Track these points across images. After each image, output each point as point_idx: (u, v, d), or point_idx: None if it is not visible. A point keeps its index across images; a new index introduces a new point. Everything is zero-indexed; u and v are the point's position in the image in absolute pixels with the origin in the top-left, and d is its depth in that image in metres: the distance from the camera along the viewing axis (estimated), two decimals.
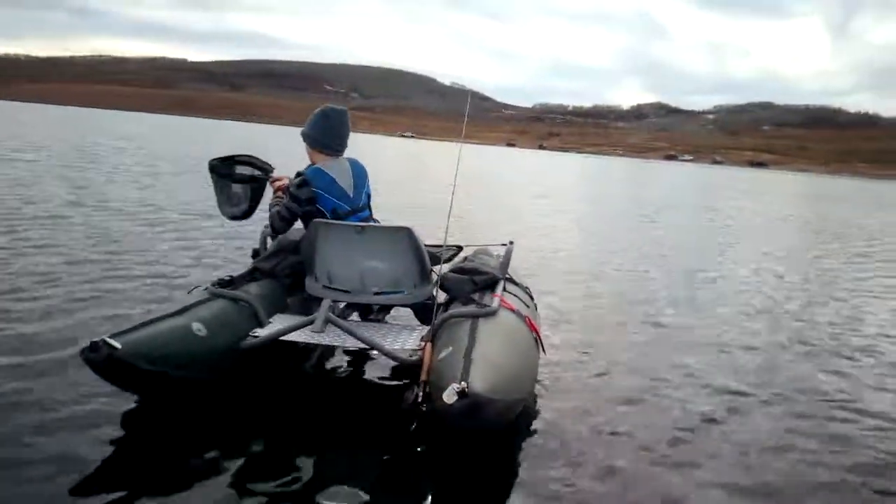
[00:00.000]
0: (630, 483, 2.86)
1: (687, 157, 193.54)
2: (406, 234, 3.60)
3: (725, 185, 45.82)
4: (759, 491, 2.89)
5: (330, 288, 3.67)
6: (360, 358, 4.08)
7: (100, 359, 2.65)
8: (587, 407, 3.66)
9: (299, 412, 3.35)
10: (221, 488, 2.57)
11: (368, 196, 4.02)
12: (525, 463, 3.01)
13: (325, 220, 3.63)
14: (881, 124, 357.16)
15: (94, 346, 2.64)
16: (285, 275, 3.86)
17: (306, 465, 2.81)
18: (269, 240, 4.14)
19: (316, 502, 2.51)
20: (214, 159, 4.26)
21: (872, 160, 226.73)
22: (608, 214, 16.88)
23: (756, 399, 3.95)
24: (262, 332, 3.38)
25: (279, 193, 3.97)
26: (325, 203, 3.77)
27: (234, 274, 3.84)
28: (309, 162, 3.94)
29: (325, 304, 3.48)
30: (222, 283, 3.59)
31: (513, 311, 3.54)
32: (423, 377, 3.03)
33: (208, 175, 4.22)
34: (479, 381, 2.59)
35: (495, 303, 3.52)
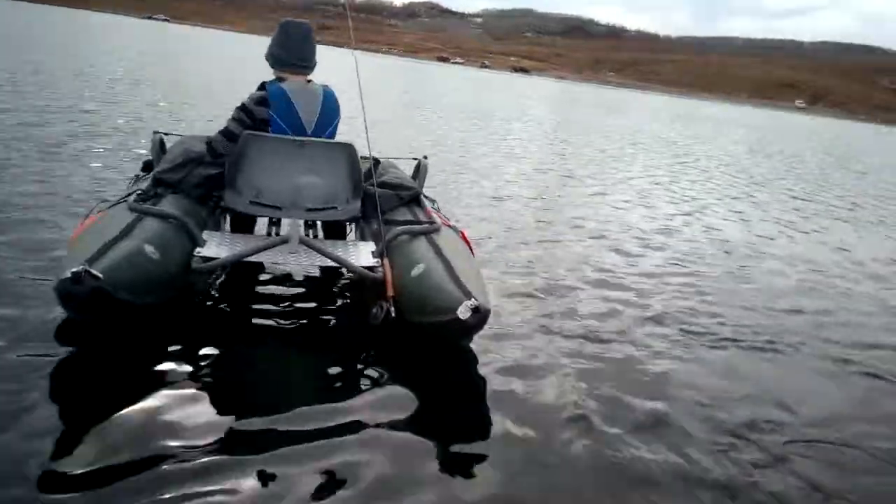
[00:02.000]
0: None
1: (458, 59, 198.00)
2: (348, 149, 3.69)
3: (502, 87, 48.17)
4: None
5: (258, 203, 3.63)
6: (298, 276, 4.13)
7: (84, 291, 2.46)
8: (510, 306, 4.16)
9: (258, 331, 3.41)
10: (190, 415, 2.54)
11: (332, 135, 3.80)
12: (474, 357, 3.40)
13: (260, 133, 3.55)
14: (626, 36, 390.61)
15: (76, 278, 2.42)
16: (193, 187, 3.69)
17: (279, 389, 2.88)
18: (161, 150, 3.96)
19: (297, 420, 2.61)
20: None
21: (619, 69, 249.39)
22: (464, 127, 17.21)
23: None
24: (209, 252, 3.31)
25: None
26: (274, 129, 3.61)
27: (131, 188, 3.69)
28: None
29: (296, 222, 3.50)
30: (143, 198, 3.38)
31: (448, 225, 3.84)
32: (391, 293, 3.27)
33: None
34: (481, 295, 2.96)
35: (436, 218, 3.80)
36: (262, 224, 4.13)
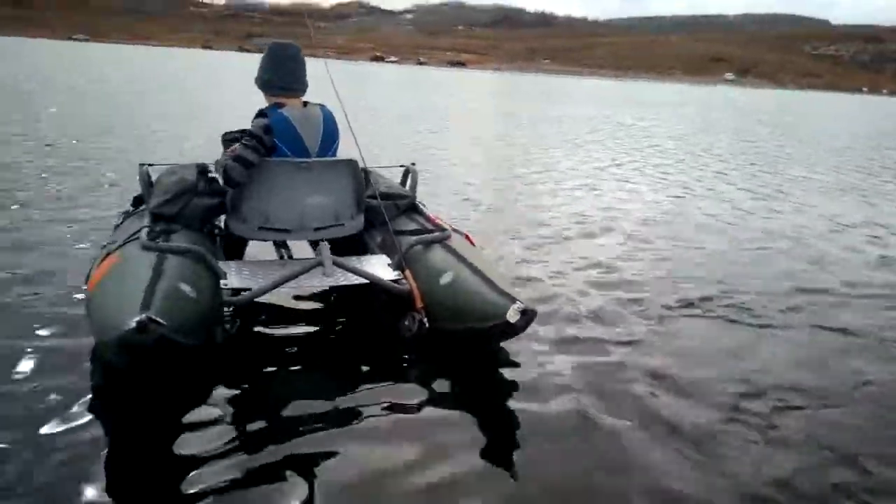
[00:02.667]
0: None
1: (393, 58, 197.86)
2: (352, 165, 3.57)
3: (445, 83, 48.18)
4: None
5: (267, 228, 3.47)
6: (312, 299, 3.90)
7: (151, 339, 2.28)
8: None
9: (285, 358, 3.23)
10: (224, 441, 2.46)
11: (334, 155, 3.64)
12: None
13: (265, 159, 3.37)
14: (556, 23, 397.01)
15: (142, 327, 2.23)
16: (193, 219, 3.47)
17: (322, 408, 2.75)
18: (154, 185, 3.62)
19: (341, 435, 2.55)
20: (231, 133, 3.76)
21: (553, 56, 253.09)
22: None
23: None
24: (236, 283, 3.15)
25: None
26: (281, 157, 3.39)
27: (125, 225, 3.44)
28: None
29: (324, 246, 3.35)
30: (153, 236, 3.12)
31: (454, 230, 3.75)
32: (420, 304, 3.16)
33: None
34: (524, 297, 2.93)
35: (445, 225, 3.71)
36: (256, 249, 3.96)
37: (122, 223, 3.60)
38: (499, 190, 7.93)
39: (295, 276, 3.23)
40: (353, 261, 3.53)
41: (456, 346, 3.20)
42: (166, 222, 3.34)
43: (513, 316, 2.78)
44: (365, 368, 3.10)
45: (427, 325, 3.11)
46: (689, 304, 4.19)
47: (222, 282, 3.09)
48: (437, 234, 3.57)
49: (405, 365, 3.16)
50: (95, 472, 2.20)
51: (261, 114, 3.43)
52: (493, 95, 38.55)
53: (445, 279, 3.17)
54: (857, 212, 7.95)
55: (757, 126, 24.24)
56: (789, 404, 2.99)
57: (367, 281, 3.30)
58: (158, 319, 2.27)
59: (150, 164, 3.76)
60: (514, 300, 2.85)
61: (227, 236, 3.66)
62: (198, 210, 3.50)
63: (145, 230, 3.14)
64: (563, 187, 8.33)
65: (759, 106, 42.19)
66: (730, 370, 3.32)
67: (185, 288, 2.74)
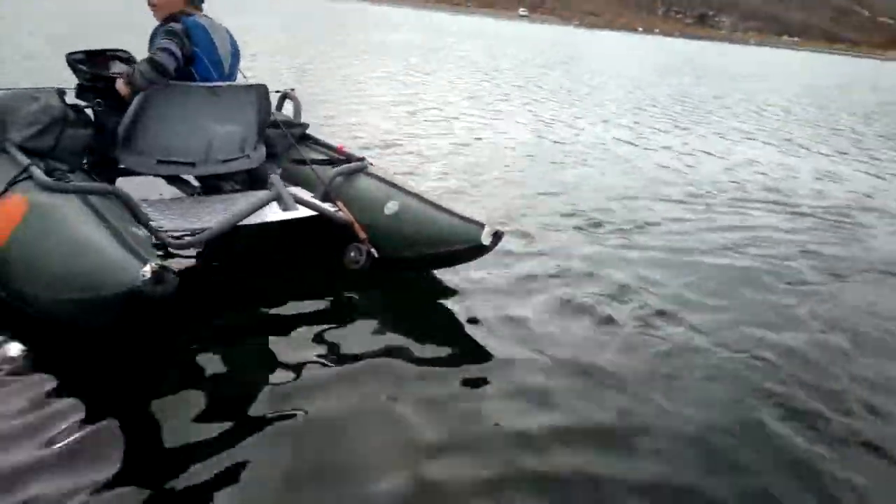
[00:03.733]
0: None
1: None
2: (263, 91, 3.49)
3: None
4: None
5: (167, 161, 3.27)
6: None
7: (170, 289, 2.14)
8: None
9: (251, 293, 3.17)
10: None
11: (235, 76, 3.48)
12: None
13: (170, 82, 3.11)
14: None
15: (159, 277, 2.10)
16: (73, 153, 3.14)
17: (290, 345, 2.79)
18: (8, 115, 3.11)
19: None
20: (77, 53, 3.35)
21: None
22: None
23: None
24: (174, 225, 2.91)
25: (122, 91, 3.15)
26: (199, 68, 3.19)
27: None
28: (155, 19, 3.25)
29: (277, 178, 3.26)
30: (58, 175, 2.77)
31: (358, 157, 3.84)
32: (363, 234, 3.30)
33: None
34: (485, 218, 3.18)
35: (354, 153, 3.84)
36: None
37: None
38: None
39: (250, 213, 3.05)
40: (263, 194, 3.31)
41: (406, 272, 3.40)
42: (40, 158, 2.96)
43: (486, 238, 3.04)
44: (320, 307, 3.12)
45: (376, 255, 3.27)
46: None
47: (154, 224, 2.86)
48: (357, 163, 3.69)
49: (358, 299, 3.25)
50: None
51: (170, 19, 3.18)
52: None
53: (391, 208, 3.34)
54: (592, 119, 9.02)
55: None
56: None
57: (311, 214, 3.25)
58: (172, 268, 2.18)
59: None
60: (481, 224, 3.09)
61: (133, 171, 3.37)
62: (75, 142, 3.15)
63: (36, 169, 2.78)
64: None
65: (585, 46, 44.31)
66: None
67: (141, 233, 2.62)
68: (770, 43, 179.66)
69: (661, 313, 3.44)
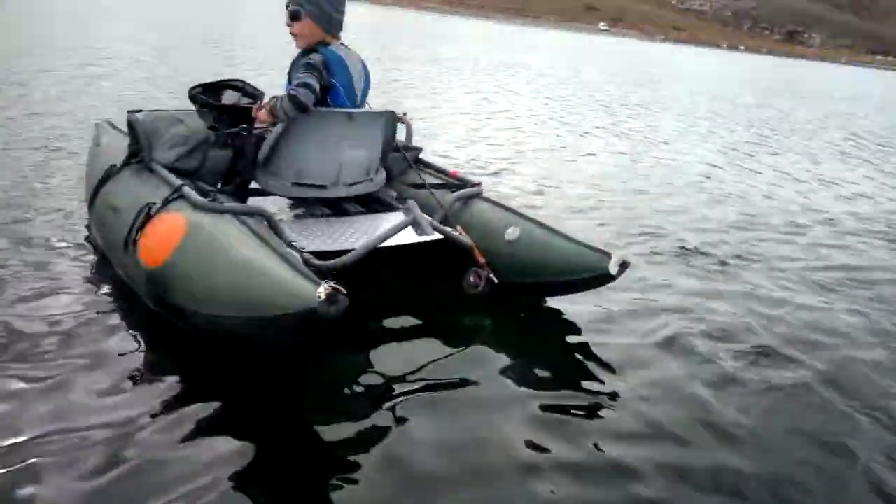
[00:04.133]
0: None
1: None
2: (391, 117, 3.60)
3: None
4: None
5: (301, 184, 3.39)
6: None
7: (341, 309, 2.19)
8: None
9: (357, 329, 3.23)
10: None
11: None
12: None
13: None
14: None
15: (333, 298, 2.16)
16: (216, 173, 3.33)
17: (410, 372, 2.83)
18: (153, 136, 3.27)
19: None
20: (197, 87, 3.50)
21: None
22: None
23: None
24: (314, 246, 3.01)
25: (263, 120, 3.28)
26: (336, 98, 3.29)
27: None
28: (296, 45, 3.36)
29: (413, 203, 3.31)
30: (211, 195, 2.89)
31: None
32: (482, 259, 3.33)
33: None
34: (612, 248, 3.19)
35: (468, 178, 3.84)
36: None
37: (111, 178, 3.33)
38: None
39: (391, 236, 3.08)
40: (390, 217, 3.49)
41: (527, 298, 3.45)
42: (187, 177, 3.09)
43: (613, 268, 3.04)
44: (438, 333, 3.15)
45: (496, 280, 3.30)
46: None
47: (296, 245, 2.88)
48: (474, 187, 3.72)
49: (477, 324, 3.30)
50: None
51: (311, 50, 3.28)
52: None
53: (512, 234, 3.35)
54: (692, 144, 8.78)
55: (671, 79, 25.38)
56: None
57: (436, 238, 3.26)
58: (343, 290, 2.21)
59: (139, 111, 3.39)
60: (608, 253, 3.09)
61: (269, 192, 3.50)
62: (217, 164, 3.33)
63: (189, 189, 2.90)
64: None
65: (661, 58, 43.88)
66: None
67: (295, 253, 2.68)
68: (863, 63, 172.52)
69: (763, 353, 3.34)
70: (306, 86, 3.09)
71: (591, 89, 17.13)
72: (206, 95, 3.50)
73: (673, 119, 13.18)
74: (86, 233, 3.75)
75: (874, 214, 6.82)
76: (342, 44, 3.44)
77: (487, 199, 3.65)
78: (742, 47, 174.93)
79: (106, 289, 3.16)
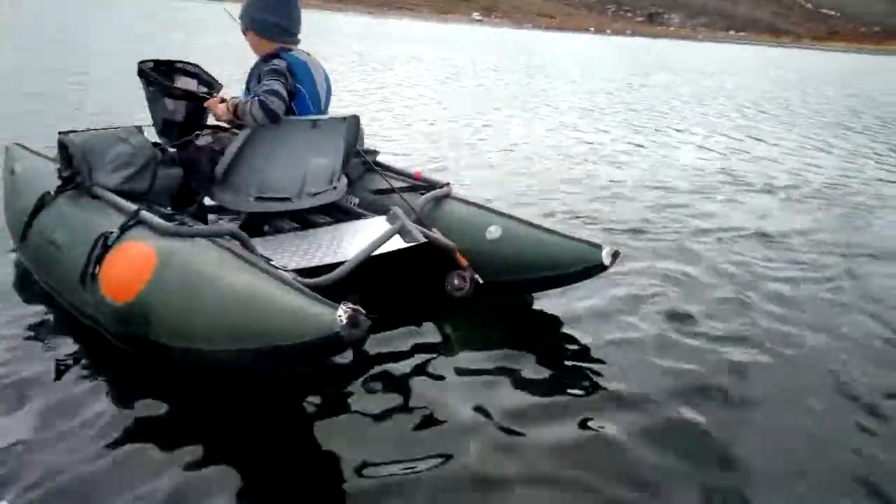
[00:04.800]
0: None
1: None
2: (354, 121, 3.46)
3: None
4: None
5: (265, 199, 3.18)
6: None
7: (364, 331, 2.04)
8: None
9: None
10: None
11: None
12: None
13: None
14: None
15: (354, 321, 2.01)
16: (166, 194, 3.12)
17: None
18: (92, 157, 2.96)
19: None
20: (148, 61, 3.22)
21: None
22: None
23: None
24: (293, 265, 2.80)
25: (221, 115, 3.09)
26: (300, 105, 3.09)
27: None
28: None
29: (398, 210, 3.15)
30: (169, 219, 2.66)
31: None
32: (464, 261, 3.22)
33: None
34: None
35: (436, 178, 3.73)
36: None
37: (44, 208, 2.99)
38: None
39: (379, 245, 2.95)
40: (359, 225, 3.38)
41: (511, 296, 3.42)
42: (135, 201, 2.83)
43: (607, 258, 3.00)
44: (420, 334, 3.11)
45: (480, 281, 3.20)
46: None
47: (278, 264, 2.68)
48: (444, 188, 3.59)
49: (461, 326, 3.23)
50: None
51: (273, 55, 3.08)
52: None
53: (494, 233, 3.25)
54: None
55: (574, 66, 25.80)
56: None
57: (415, 244, 3.13)
58: (361, 309, 2.06)
59: (70, 131, 3.07)
60: (599, 245, 3.05)
61: (231, 210, 3.27)
62: (169, 182, 3.14)
63: (147, 213, 2.65)
64: None
65: (537, 48, 44.65)
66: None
67: (288, 276, 2.45)
68: (719, 38, 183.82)
69: (746, 332, 3.44)
70: (275, 93, 2.89)
71: (494, 78, 17.25)
72: (158, 75, 3.27)
73: (574, 100, 13.45)
74: (13, 270, 3.38)
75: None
76: (302, 50, 3.26)
77: (459, 199, 3.55)
78: (608, 31, 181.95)
79: (53, 330, 2.88)
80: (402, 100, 11.50)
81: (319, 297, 2.14)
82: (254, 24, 3.13)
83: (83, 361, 2.65)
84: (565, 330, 3.29)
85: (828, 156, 9.02)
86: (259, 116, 2.88)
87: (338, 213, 3.54)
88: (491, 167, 6.84)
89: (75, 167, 2.96)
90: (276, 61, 3.04)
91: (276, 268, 2.56)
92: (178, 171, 3.18)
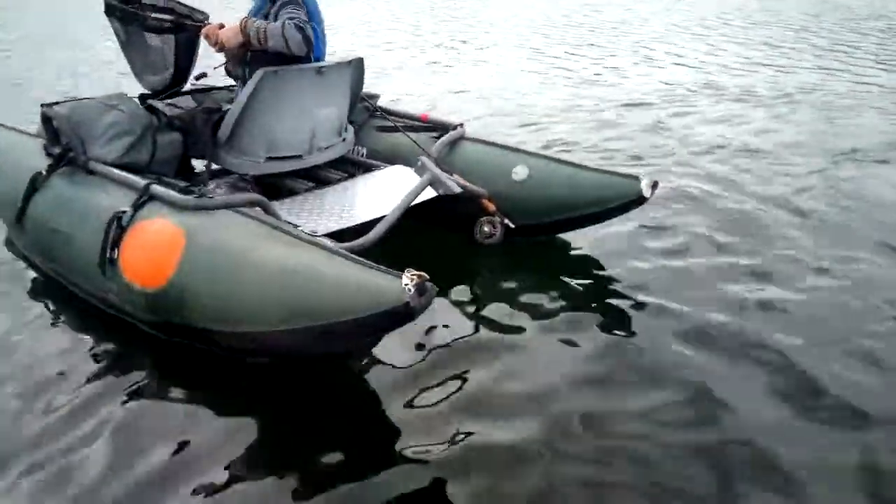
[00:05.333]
0: None
1: None
2: (359, 64, 3.24)
3: None
4: None
5: (275, 158, 2.94)
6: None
7: (432, 298, 1.92)
8: None
9: None
10: None
11: None
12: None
13: (278, 68, 2.76)
14: None
15: (422, 288, 1.86)
16: (168, 162, 2.88)
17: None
18: (83, 130, 2.71)
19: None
20: None
21: None
22: None
23: None
24: (316, 228, 2.61)
25: (228, 43, 2.76)
26: (316, 48, 2.86)
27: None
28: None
29: (427, 160, 2.95)
30: (187, 191, 2.41)
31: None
32: (492, 206, 3.08)
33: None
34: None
35: (445, 120, 3.51)
36: None
37: (38, 190, 2.74)
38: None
39: (413, 198, 2.79)
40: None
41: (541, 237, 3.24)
42: (140, 174, 2.62)
43: (647, 190, 2.87)
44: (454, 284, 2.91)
45: (512, 225, 3.08)
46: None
47: (312, 230, 2.56)
48: (457, 129, 3.39)
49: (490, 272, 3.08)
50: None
51: None
52: None
53: (520, 173, 3.10)
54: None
55: None
56: None
57: (456, 192, 2.95)
58: (425, 274, 1.92)
59: (54, 103, 2.84)
60: (636, 177, 2.90)
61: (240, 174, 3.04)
62: (170, 150, 2.88)
63: (160, 188, 2.42)
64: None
65: None
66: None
67: (331, 244, 2.30)
68: None
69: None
70: (306, 23, 2.67)
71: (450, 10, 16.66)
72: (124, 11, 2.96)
73: (536, 28, 13.07)
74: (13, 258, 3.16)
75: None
76: None
77: (474, 139, 3.36)
78: None
79: (72, 318, 2.70)
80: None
81: (377, 265, 1.98)
82: None
83: (107, 349, 2.48)
84: (607, 272, 3.09)
85: (797, 61, 8.90)
86: (296, 40, 2.64)
87: (349, 167, 3.34)
88: (462, 100, 6.59)
89: (65, 142, 2.71)
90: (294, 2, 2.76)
91: (311, 235, 2.40)
92: (177, 137, 2.92)
